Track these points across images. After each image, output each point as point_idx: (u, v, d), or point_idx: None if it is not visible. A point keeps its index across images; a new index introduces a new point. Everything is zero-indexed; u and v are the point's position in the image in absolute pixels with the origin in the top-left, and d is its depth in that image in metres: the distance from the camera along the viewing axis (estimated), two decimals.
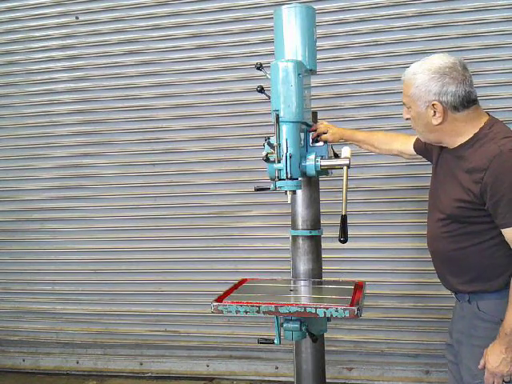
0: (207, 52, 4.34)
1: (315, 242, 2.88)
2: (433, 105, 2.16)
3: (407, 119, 2.34)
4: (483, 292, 2.22)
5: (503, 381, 2.15)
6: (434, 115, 2.18)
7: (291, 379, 3.02)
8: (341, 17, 4.07)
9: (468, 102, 2.16)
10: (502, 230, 2.11)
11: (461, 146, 2.22)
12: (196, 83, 4.39)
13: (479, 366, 2.19)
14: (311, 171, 2.66)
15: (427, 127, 2.24)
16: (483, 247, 2.19)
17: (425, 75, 2.15)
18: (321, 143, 2.81)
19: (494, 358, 2.13)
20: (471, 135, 2.19)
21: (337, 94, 4.12)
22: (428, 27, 3.92)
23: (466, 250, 2.22)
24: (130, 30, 4.46)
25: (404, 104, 2.30)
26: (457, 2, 3.87)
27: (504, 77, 3.83)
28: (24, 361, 4.96)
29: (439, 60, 2.17)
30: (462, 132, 2.20)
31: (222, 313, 2.50)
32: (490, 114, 2.28)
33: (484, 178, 2.07)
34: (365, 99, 4.08)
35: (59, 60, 4.63)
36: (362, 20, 4.04)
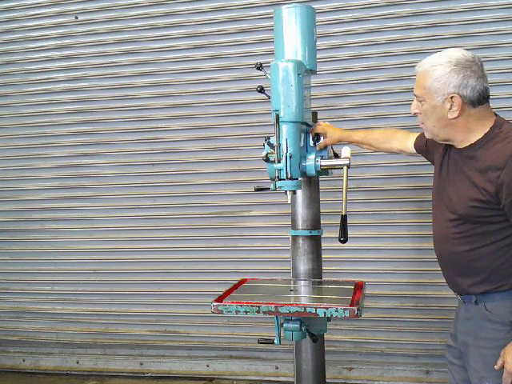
0: (203, 52, 4.35)
1: (315, 242, 2.89)
2: (451, 97, 2.13)
3: (415, 114, 2.30)
4: (493, 293, 2.20)
5: None
6: (451, 109, 2.14)
7: (291, 379, 3.03)
8: (336, 17, 4.08)
9: (483, 98, 2.16)
10: None
11: (471, 145, 2.20)
12: (192, 83, 4.40)
13: (496, 367, 2.15)
14: (311, 171, 2.68)
15: (440, 122, 2.21)
16: (495, 247, 2.17)
17: (445, 67, 2.12)
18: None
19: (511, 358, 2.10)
20: (482, 134, 2.17)
21: (334, 94, 4.13)
22: (423, 27, 3.94)
23: (477, 251, 2.20)
24: (126, 30, 4.47)
25: (416, 97, 2.26)
26: (452, 2, 3.88)
27: (500, 77, 3.84)
28: (24, 361, 4.96)
29: (459, 53, 2.15)
30: (473, 129, 2.18)
31: (222, 313, 2.50)
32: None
33: (500, 177, 2.05)
34: (362, 99, 4.09)
35: (56, 60, 4.64)
36: (357, 20, 4.05)
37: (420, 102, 2.24)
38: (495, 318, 2.20)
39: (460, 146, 2.25)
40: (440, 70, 2.13)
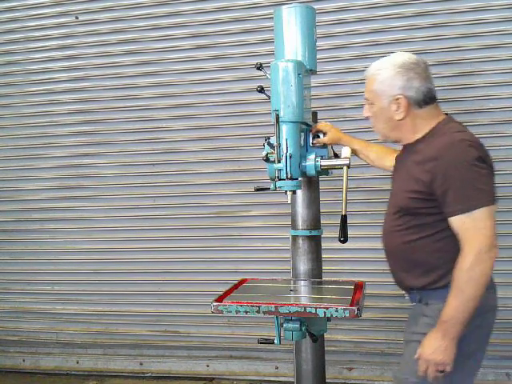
0: (206, 52, 4.35)
1: (315, 242, 2.88)
2: (397, 99, 2.19)
3: (367, 117, 2.36)
4: (434, 289, 2.19)
5: (438, 370, 2.08)
6: (397, 110, 2.21)
7: (291, 379, 3.03)
8: (340, 17, 4.08)
9: (429, 98, 2.21)
10: (449, 219, 2.08)
11: (416, 141, 2.24)
12: (195, 83, 4.39)
13: (416, 356, 2.13)
14: (311, 171, 2.67)
15: (389, 123, 2.27)
16: (433, 239, 2.16)
17: (390, 70, 2.20)
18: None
19: (428, 345, 2.08)
20: (427, 131, 2.22)
21: (336, 94, 4.12)
22: (427, 27, 3.93)
23: (416, 243, 2.20)
24: (129, 30, 4.47)
25: (366, 100, 2.32)
26: (455, 2, 3.87)
27: (503, 77, 3.83)
28: (24, 361, 4.95)
29: (403, 56, 2.22)
30: (420, 128, 2.23)
31: (222, 313, 2.50)
32: (449, 114, 2.31)
33: (434, 166, 2.07)
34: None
35: (58, 60, 4.63)
36: (360, 20, 4.04)
37: (370, 105, 2.31)
38: (432, 313, 2.17)
39: (408, 143, 2.29)
40: (385, 73, 2.21)
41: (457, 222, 2.06)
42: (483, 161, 2.06)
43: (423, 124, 2.23)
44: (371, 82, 2.26)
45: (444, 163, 2.05)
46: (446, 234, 2.12)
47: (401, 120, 2.23)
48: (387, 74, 2.20)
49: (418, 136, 2.24)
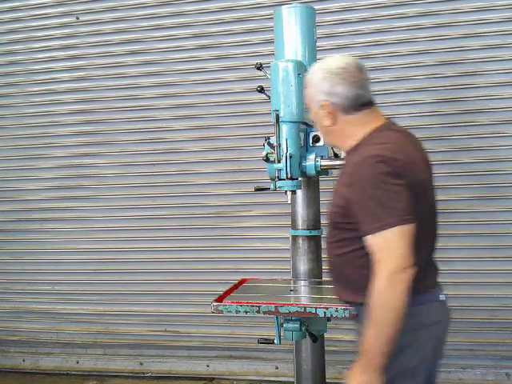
0: (209, 52, 4.35)
1: (315, 242, 2.88)
2: (323, 105, 2.08)
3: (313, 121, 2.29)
4: (364, 304, 1.93)
5: None
6: (325, 116, 2.10)
7: (291, 379, 3.03)
8: (343, 17, 4.07)
9: (360, 104, 2.07)
10: (363, 239, 1.92)
11: (349, 149, 2.11)
12: (198, 83, 4.39)
13: None
14: (311, 171, 2.67)
15: (321, 129, 2.19)
16: (357, 255, 2.00)
17: (318, 74, 2.09)
18: (321, 143, 2.78)
19: (352, 380, 1.91)
20: (360, 138, 2.07)
21: None
22: (430, 27, 3.93)
23: (343, 257, 2.06)
24: (132, 30, 4.47)
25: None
26: (459, 2, 3.87)
27: (505, 77, 3.83)
28: (24, 361, 4.95)
29: (333, 61, 2.11)
30: (350, 135, 2.09)
31: (222, 313, 2.50)
32: (391, 118, 2.20)
33: (349, 182, 1.96)
34: None
35: (61, 60, 4.64)
36: (363, 20, 4.04)
37: (309, 108, 2.23)
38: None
39: (345, 150, 2.18)
40: (314, 78, 2.11)
41: (369, 241, 1.89)
42: (397, 176, 1.88)
43: (354, 131, 2.08)
44: (306, 87, 2.18)
45: (355, 180, 1.94)
46: (365, 251, 1.94)
47: (330, 126, 2.11)
48: (315, 78, 2.10)
49: (352, 144, 2.09)
